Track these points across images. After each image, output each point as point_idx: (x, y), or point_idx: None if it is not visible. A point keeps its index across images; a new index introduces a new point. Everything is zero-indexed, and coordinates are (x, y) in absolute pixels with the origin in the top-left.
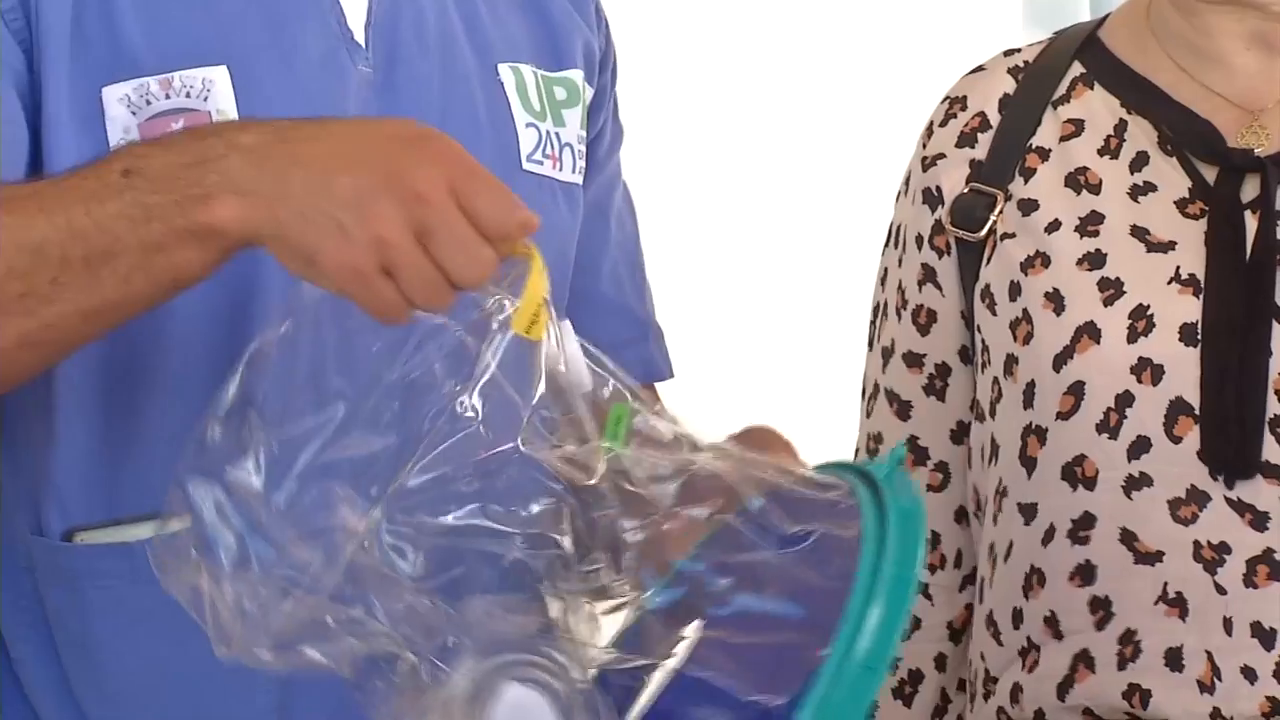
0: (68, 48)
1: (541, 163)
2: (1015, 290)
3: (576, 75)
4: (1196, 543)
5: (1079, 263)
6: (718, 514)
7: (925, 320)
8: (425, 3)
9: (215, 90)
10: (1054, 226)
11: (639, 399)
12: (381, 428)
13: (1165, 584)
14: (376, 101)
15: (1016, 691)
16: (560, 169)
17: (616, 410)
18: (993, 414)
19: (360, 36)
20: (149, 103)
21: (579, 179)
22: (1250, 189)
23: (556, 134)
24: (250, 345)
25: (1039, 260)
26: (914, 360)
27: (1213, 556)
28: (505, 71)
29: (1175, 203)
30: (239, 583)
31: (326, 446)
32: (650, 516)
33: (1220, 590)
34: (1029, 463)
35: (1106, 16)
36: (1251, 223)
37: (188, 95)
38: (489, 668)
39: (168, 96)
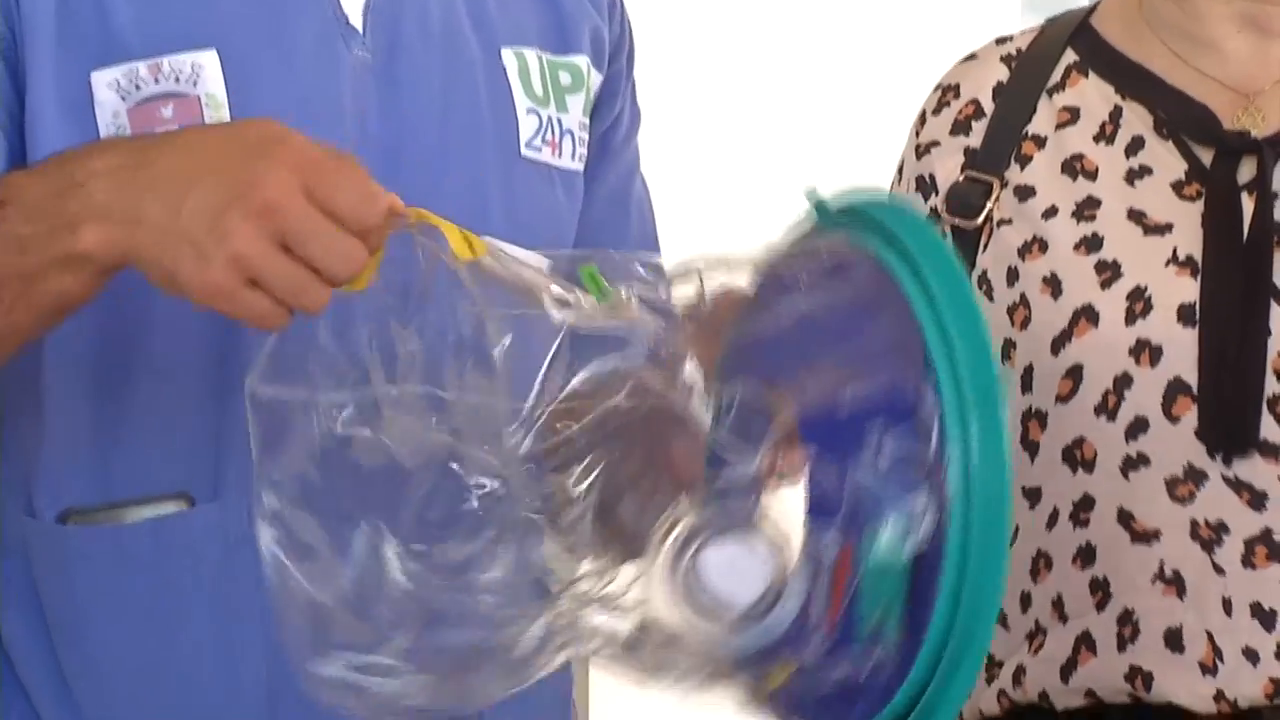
0: (54, 33)
1: (540, 149)
2: (1013, 276)
3: (582, 61)
4: (1194, 522)
5: (1076, 246)
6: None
7: None
8: None
9: (205, 75)
10: (1051, 212)
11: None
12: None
13: (1162, 563)
14: (375, 87)
15: (1020, 674)
16: (559, 155)
17: (584, 270)
18: None
19: (357, 21)
20: (138, 88)
21: (579, 166)
22: (1246, 171)
23: (559, 120)
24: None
25: (1036, 245)
26: None
27: (1210, 536)
28: (509, 56)
29: (1171, 185)
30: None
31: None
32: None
33: (1218, 570)
34: (1031, 447)
35: (1097, 4)
36: (1248, 204)
37: (177, 80)
38: (704, 518)
39: (157, 81)
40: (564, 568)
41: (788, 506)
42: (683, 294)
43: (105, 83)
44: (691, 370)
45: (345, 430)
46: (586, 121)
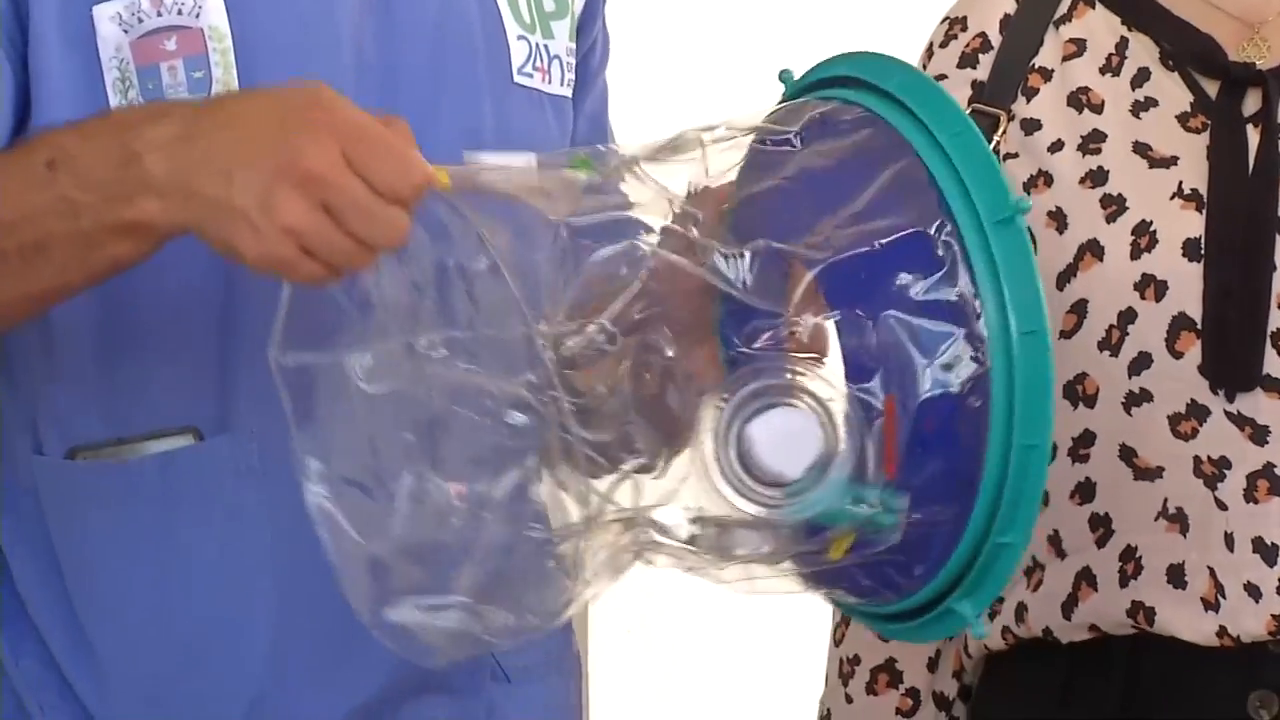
0: None
1: (531, 75)
2: None
3: None
4: (1196, 458)
5: (1081, 180)
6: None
7: None
8: None
9: (206, 6)
10: (1056, 146)
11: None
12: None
13: (1165, 499)
14: (372, 15)
15: (1022, 611)
16: (549, 82)
17: (574, 160)
18: None
19: None
20: (140, 20)
21: (568, 91)
22: (1252, 102)
23: (545, 46)
24: None
25: (1041, 179)
26: None
27: (1213, 471)
28: None
29: (1176, 117)
30: None
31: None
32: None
33: (1221, 505)
34: None
35: None
36: (1254, 136)
37: (179, 12)
38: (744, 396)
39: (159, 14)
40: (605, 482)
41: (825, 370)
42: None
43: (108, 16)
44: (707, 233)
45: (373, 384)
46: (573, 46)
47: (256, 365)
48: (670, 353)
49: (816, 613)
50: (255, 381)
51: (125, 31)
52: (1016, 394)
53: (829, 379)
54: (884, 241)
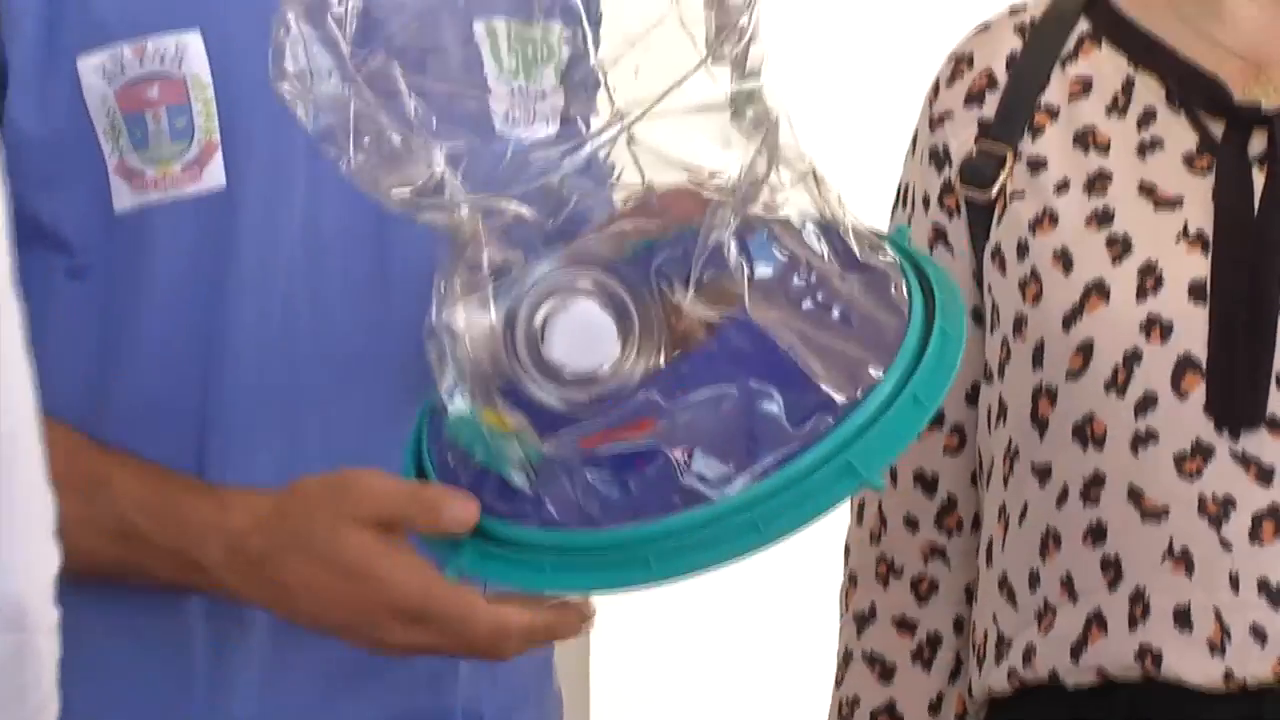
0: (37, 19)
1: (517, 123)
2: (1023, 249)
3: (554, 26)
4: (1201, 497)
5: (1087, 221)
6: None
7: None
8: None
9: (189, 55)
10: (1062, 186)
11: None
12: None
13: (1171, 540)
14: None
15: (1030, 653)
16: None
17: None
18: (1001, 375)
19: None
20: (123, 70)
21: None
22: (1258, 143)
23: (526, 90)
24: None
25: (1047, 219)
26: None
27: (1217, 511)
28: (480, 30)
29: (1183, 158)
30: None
31: None
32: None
33: (1225, 546)
34: (1041, 424)
35: None
36: (1259, 177)
37: (161, 61)
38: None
39: (141, 64)
40: None
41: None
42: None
43: (91, 67)
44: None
45: None
46: (560, 87)
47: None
48: None
49: (818, 615)
50: (233, 431)
51: (109, 82)
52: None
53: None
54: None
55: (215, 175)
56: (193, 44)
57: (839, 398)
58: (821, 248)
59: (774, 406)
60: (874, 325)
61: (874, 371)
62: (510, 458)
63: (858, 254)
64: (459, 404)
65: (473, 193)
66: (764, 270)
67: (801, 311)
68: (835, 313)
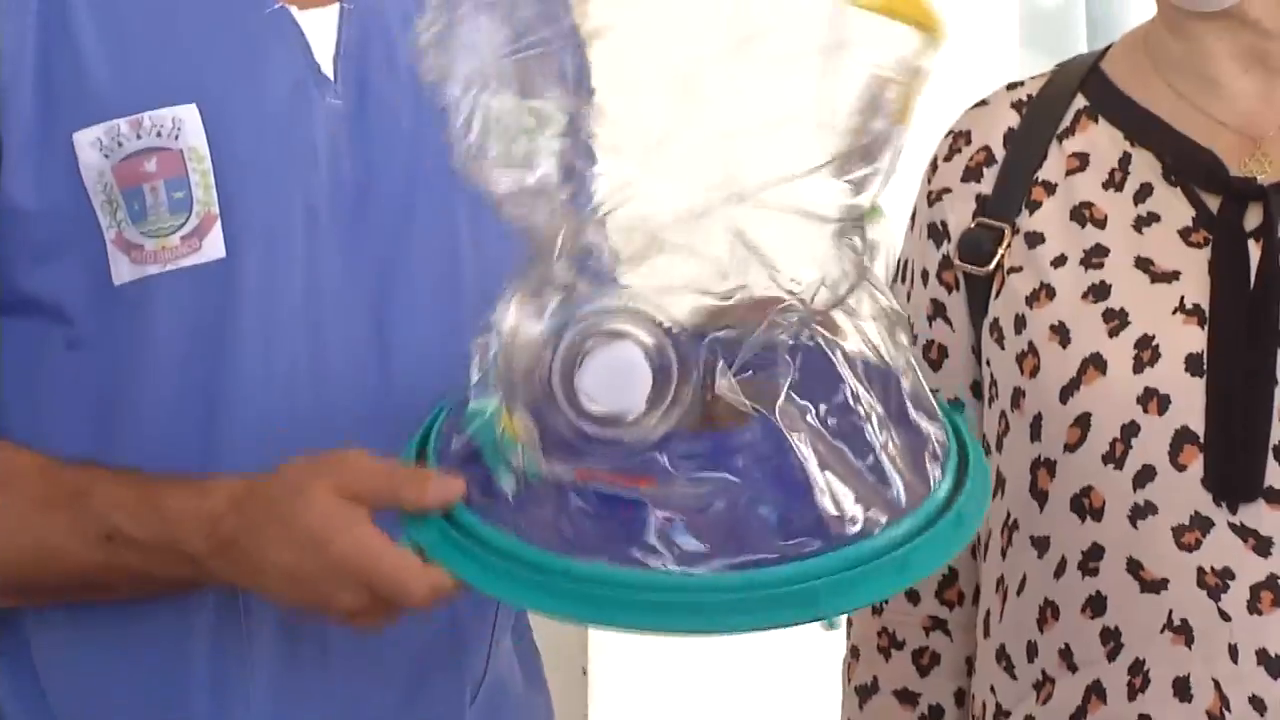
0: (33, 95)
1: None
2: (1021, 323)
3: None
4: (1200, 569)
5: (1084, 295)
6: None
7: (937, 355)
8: (395, 31)
9: (185, 128)
10: (1059, 261)
11: None
12: None
13: (1170, 611)
14: (348, 133)
15: None
16: None
17: None
18: (999, 447)
19: (328, 69)
20: (120, 144)
21: None
22: (1254, 217)
23: None
24: None
25: (1044, 293)
26: None
27: (1216, 583)
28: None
29: (1179, 232)
30: None
31: None
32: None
33: (1224, 617)
34: (1040, 496)
35: (1109, 47)
36: (1255, 251)
37: (158, 135)
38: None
39: (139, 137)
40: None
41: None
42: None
43: (88, 142)
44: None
45: None
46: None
47: None
48: None
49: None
50: None
51: (106, 156)
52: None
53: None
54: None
55: (215, 246)
56: (189, 117)
57: (833, 530)
58: (873, 389)
59: (769, 512)
60: (894, 481)
61: (875, 520)
62: (508, 463)
63: (909, 412)
64: (483, 398)
65: (570, 207)
66: (809, 383)
67: (830, 437)
68: (862, 452)
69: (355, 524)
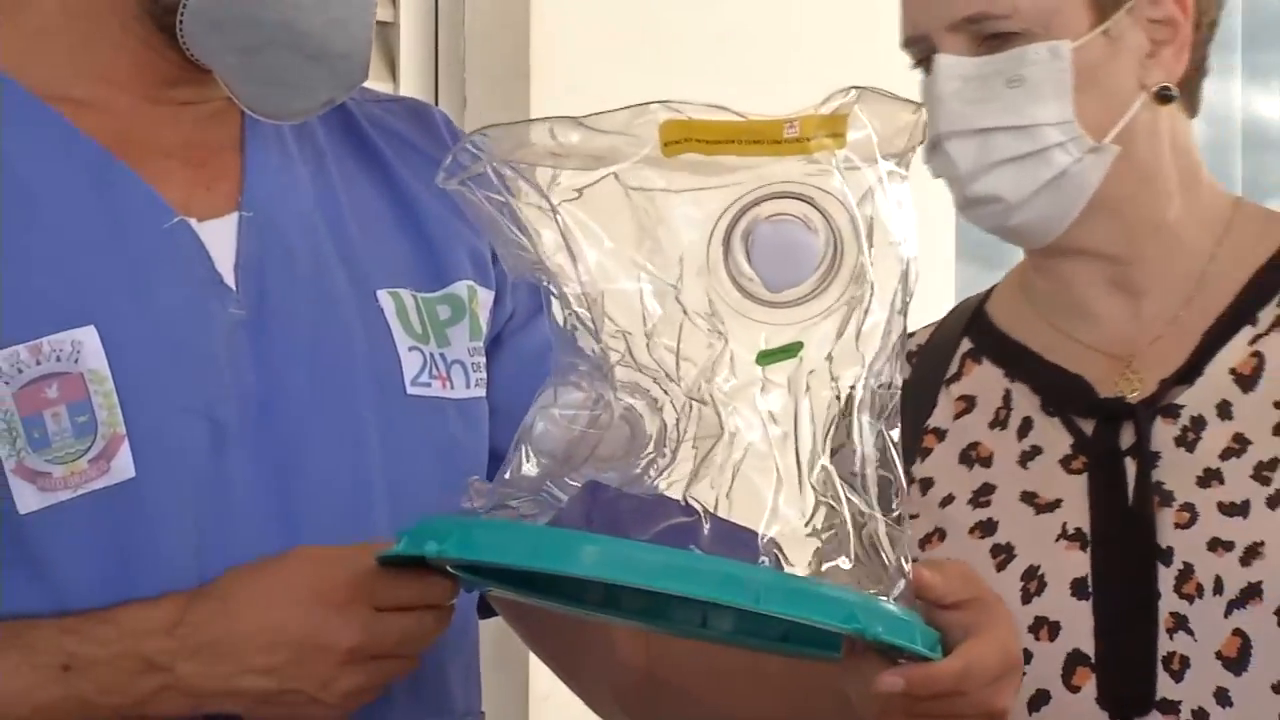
0: None
1: (429, 384)
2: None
3: (462, 287)
4: None
5: (971, 531)
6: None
7: None
8: (295, 237)
9: (85, 351)
10: (948, 500)
11: None
12: None
13: None
14: (249, 343)
15: None
16: (451, 388)
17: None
18: None
19: (230, 279)
20: (20, 371)
21: (478, 392)
22: (1127, 435)
23: (442, 355)
24: None
25: (936, 535)
26: None
27: None
28: (384, 297)
29: (1059, 461)
30: None
31: None
32: None
33: None
34: None
35: (993, 288)
36: (1131, 468)
37: (58, 359)
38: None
39: (38, 363)
40: None
41: None
42: None
43: None
44: None
45: None
46: (477, 345)
47: None
48: None
49: None
50: None
51: (6, 383)
52: None
53: None
54: None
55: (125, 467)
56: (88, 340)
57: (763, 559)
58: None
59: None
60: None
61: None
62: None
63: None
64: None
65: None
66: None
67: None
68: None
69: (346, 552)
